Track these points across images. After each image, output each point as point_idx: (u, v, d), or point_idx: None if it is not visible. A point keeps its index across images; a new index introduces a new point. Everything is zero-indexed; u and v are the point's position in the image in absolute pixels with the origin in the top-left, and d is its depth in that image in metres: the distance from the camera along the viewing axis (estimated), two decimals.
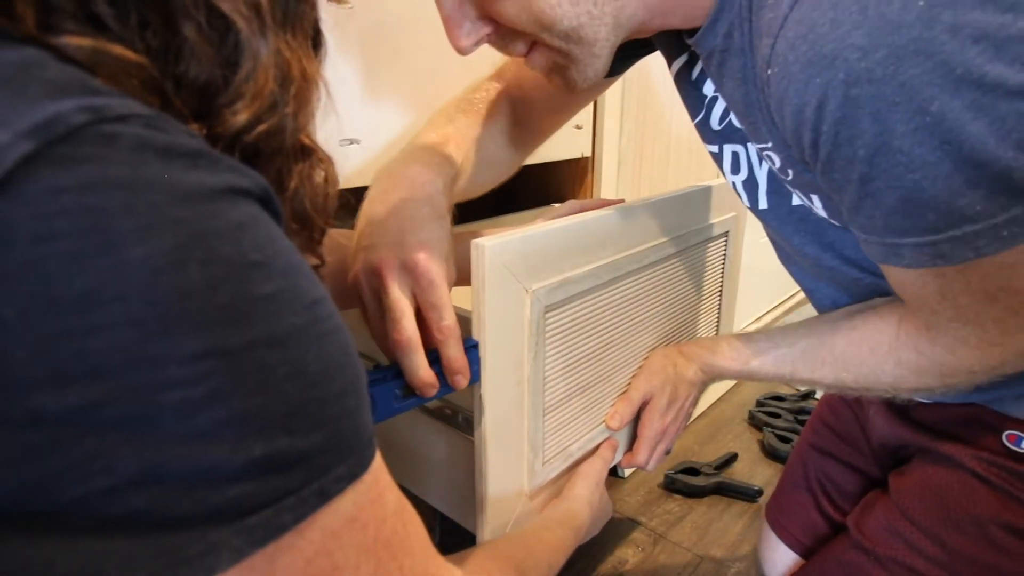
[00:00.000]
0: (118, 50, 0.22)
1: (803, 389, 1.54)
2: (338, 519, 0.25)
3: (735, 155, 0.61)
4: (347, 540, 0.26)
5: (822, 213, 0.54)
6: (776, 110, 0.45)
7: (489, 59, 0.81)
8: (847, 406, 0.86)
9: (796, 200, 0.58)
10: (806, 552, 0.82)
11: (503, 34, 0.50)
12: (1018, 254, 0.40)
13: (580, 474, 0.64)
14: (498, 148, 0.69)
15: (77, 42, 0.22)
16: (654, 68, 1.12)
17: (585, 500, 0.61)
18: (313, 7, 0.30)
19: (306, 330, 0.24)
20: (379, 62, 0.70)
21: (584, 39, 0.48)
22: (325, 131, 0.66)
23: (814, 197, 0.53)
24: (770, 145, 0.51)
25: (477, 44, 0.50)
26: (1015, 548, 0.61)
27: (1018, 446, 0.62)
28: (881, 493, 0.73)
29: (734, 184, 0.63)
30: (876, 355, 0.56)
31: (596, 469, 0.65)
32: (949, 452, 0.66)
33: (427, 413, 0.65)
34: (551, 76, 0.54)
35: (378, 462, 0.28)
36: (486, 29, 0.49)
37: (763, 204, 0.62)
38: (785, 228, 0.61)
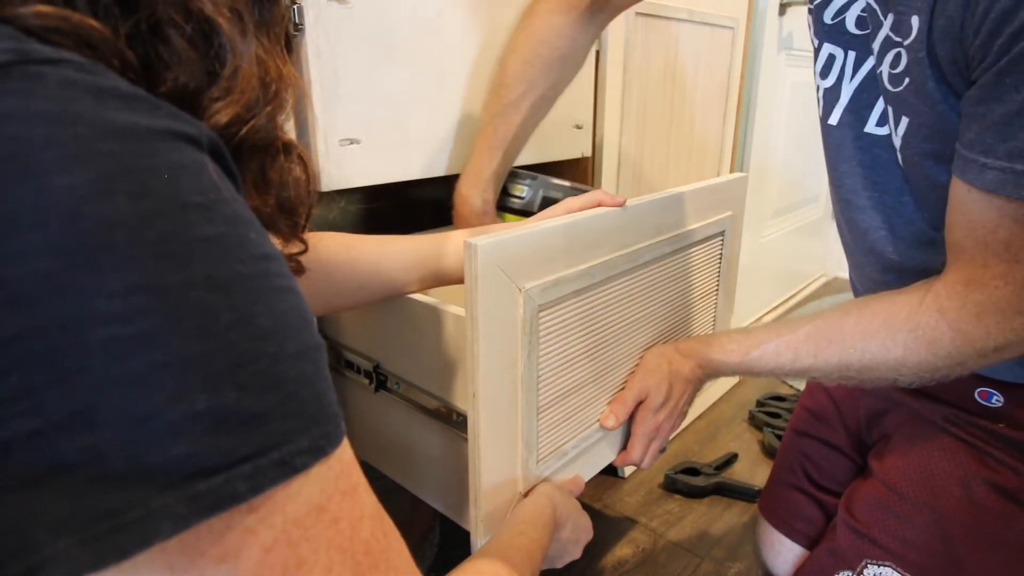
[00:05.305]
0: (79, 17, 0.22)
1: (803, 388, 1.53)
2: (303, 505, 0.23)
3: (830, 57, 0.63)
4: (316, 533, 0.24)
5: (897, 141, 0.56)
6: None
7: (489, 57, 0.81)
8: (824, 390, 0.88)
9: (871, 127, 0.60)
10: (802, 538, 0.84)
11: None
12: None
13: (544, 481, 0.64)
14: (561, 47, 0.78)
15: (40, 9, 0.21)
16: (655, 67, 1.12)
17: (545, 494, 0.60)
18: (286, 10, 0.31)
19: (253, 280, 0.23)
20: (379, 62, 0.70)
21: None
22: (325, 131, 0.67)
23: (904, 119, 0.54)
24: (911, 39, 0.51)
25: None
26: (998, 506, 0.63)
27: (988, 402, 0.64)
28: (864, 477, 0.75)
29: (818, 88, 0.66)
30: (890, 325, 0.55)
31: (563, 480, 0.65)
32: (926, 412, 0.69)
33: (423, 411, 0.65)
34: None
35: (349, 453, 0.26)
36: None
37: (834, 119, 0.64)
38: (842, 151, 0.64)
